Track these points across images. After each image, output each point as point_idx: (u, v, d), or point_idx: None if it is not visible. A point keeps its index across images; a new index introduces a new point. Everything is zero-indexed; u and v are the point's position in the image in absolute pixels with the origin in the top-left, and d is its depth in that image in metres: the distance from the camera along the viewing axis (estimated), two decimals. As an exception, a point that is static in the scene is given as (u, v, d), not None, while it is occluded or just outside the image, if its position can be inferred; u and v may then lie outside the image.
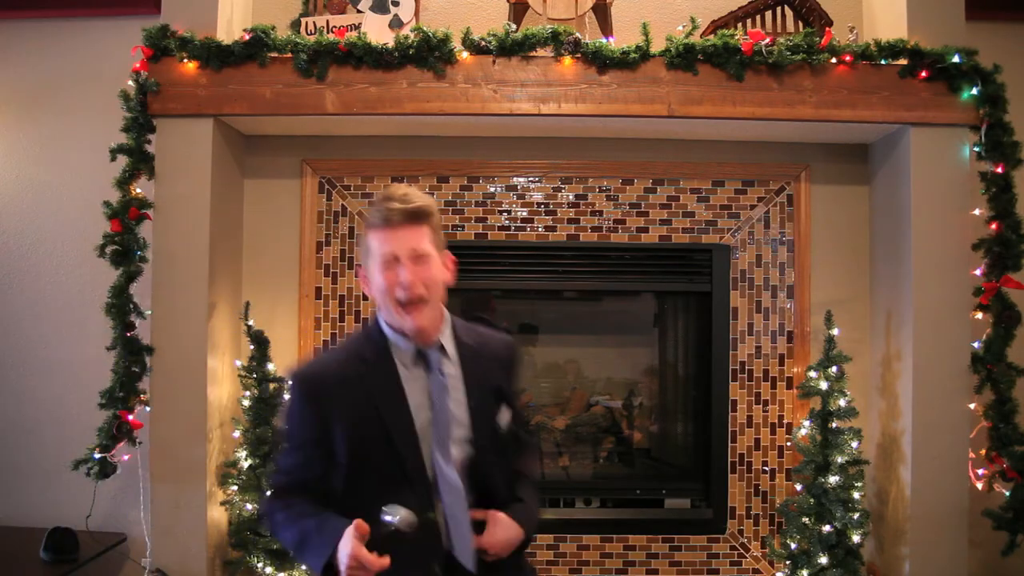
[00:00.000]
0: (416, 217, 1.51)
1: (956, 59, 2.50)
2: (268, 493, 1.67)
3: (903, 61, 2.54)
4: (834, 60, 2.55)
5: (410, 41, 2.52)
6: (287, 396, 1.63)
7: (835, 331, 2.63)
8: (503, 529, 1.55)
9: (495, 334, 1.70)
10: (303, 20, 2.73)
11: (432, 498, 1.52)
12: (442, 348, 1.58)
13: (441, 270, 1.57)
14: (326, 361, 1.70)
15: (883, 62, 2.55)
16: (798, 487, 2.66)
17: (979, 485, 2.56)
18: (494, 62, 2.56)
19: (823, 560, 2.51)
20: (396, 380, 1.54)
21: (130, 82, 2.56)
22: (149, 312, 2.57)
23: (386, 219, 1.50)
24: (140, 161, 2.56)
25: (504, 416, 1.61)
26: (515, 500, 1.62)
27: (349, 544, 1.38)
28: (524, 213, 2.90)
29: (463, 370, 1.58)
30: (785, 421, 2.87)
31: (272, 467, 1.62)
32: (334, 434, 1.53)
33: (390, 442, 1.51)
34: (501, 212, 2.90)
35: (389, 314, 1.54)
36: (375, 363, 1.55)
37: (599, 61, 2.54)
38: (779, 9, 2.79)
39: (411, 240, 1.50)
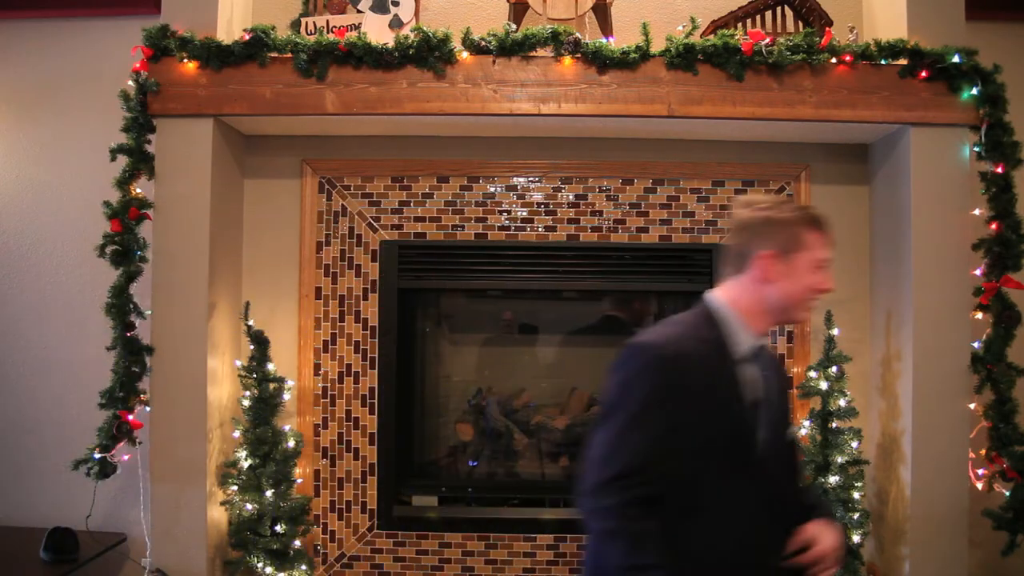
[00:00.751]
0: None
1: (956, 59, 2.50)
2: (606, 481, 1.43)
3: (903, 61, 2.54)
4: (834, 60, 2.55)
5: (410, 41, 2.52)
6: (633, 372, 1.50)
7: (835, 331, 2.63)
8: (830, 533, 1.58)
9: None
10: (303, 20, 2.73)
11: (767, 487, 1.54)
12: (764, 347, 1.64)
13: None
14: (673, 334, 1.55)
15: (883, 62, 2.55)
16: (798, 487, 2.66)
17: (979, 485, 2.56)
18: (494, 62, 2.56)
19: (823, 560, 2.51)
20: (734, 368, 1.53)
21: (130, 82, 2.56)
22: (149, 312, 2.57)
23: (825, 225, 1.61)
24: (140, 161, 2.56)
25: (792, 431, 1.67)
26: (809, 508, 1.65)
27: None
28: (524, 213, 2.90)
29: (763, 376, 1.59)
30: (785, 421, 2.87)
31: (598, 454, 1.47)
32: (686, 415, 1.46)
33: (734, 430, 1.52)
34: (501, 212, 2.90)
35: (787, 305, 1.58)
36: (718, 345, 1.54)
37: (599, 61, 2.54)
38: (779, 9, 2.79)
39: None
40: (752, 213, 1.60)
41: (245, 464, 2.62)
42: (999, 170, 2.52)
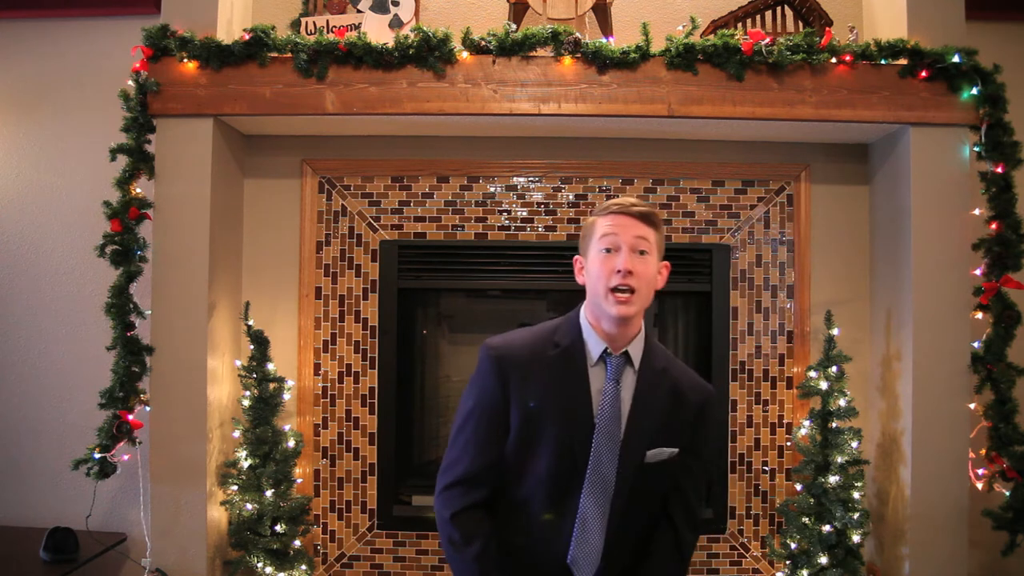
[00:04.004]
0: (647, 218, 1.55)
1: (956, 59, 2.50)
2: (446, 482, 1.60)
3: (903, 61, 2.54)
4: (834, 60, 2.55)
5: (410, 41, 2.52)
6: (475, 372, 1.61)
7: (835, 331, 2.63)
8: None
9: (691, 376, 1.66)
10: (303, 20, 2.74)
11: (570, 497, 1.54)
12: (628, 358, 1.57)
13: (654, 273, 1.57)
14: (518, 336, 1.64)
15: (883, 62, 2.55)
16: (798, 487, 2.66)
17: (979, 485, 2.56)
18: (494, 62, 2.56)
19: (823, 560, 2.51)
20: (583, 370, 1.56)
21: (130, 82, 2.56)
22: (149, 312, 2.57)
23: (621, 208, 1.55)
24: (140, 161, 2.56)
25: (657, 454, 1.56)
26: (647, 555, 1.60)
27: None
28: (524, 213, 2.90)
29: (636, 389, 1.57)
30: (785, 421, 2.88)
31: (446, 451, 1.63)
32: (512, 405, 1.55)
33: (564, 429, 1.52)
34: (501, 212, 2.90)
35: (596, 301, 1.55)
36: (566, 348, 1.57)
37: (599, 61, 2.54)
38: (779, 9, 2.79)
39: (638, 230, 1.53)
40: None
41: (245, 464, 2.62)
42: (999, 170, 2.52)
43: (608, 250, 1.53)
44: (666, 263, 1.63)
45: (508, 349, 1.59)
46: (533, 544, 1.58)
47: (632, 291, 1.51)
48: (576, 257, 1.63)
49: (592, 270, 1.55)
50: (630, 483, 1.55)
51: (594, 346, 1.57)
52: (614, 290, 1.51)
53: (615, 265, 1.51)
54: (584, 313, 1.62)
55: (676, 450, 1.58)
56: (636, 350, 1.58)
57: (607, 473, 1.54)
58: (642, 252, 1.53)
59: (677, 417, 1.60)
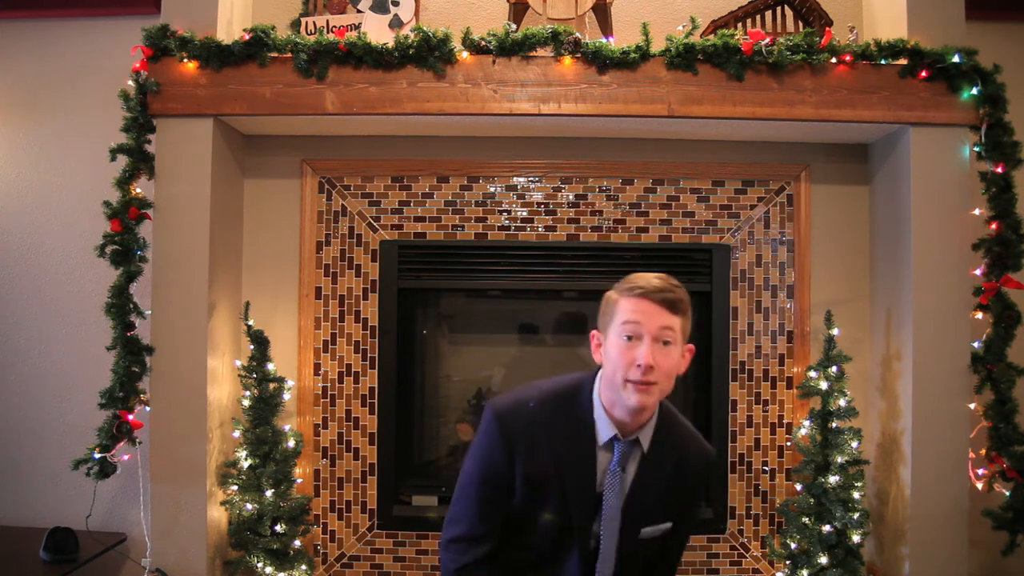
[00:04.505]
0: (674, 306, 1.46)
1: (956, 59, 2.50)
2: (450, 536, 1.59)
3: (903, 61, 2.54)
4: (834, 60, 2.55)
5: (410, 41, 2.52)
6: (482, 430, 1.58)
7: (835, 331, 2.63)
8: None
9: (695, 441, 1.63)
10: (303, 20, 2.73)
11: (560, 563, 1.54)
12: (637, 443, 1.54)
13: (677, 361, 1.49)
14: (525, 400, 1.58)
15: (883, 62, 2.55)
16: (798, 487, 2.66)
17: (979, 485, 2.56)
18: (494, 62, 2.56)
19: (823, 560, 2.51)
20: (591, 451, 1.51)
21: (130, 82, 2.56)
22: (149, 312, 2.57)
23: (646, 293, 1.45)
24: (140, 161, 2.56)
25: (653, 531, 1.56)
26: None
27: None
28: (524, 213, 2.90)
29: (639, 470, 1.54)
30: (785, 421, 2.88)
31: (447, 516, 1.62)
32: (515, 474, 1.51)
33: (566, 503, 1.49)
34: (501, 212, 2.90)
35: (611, 386, 1.48)
36: (576, 424, 1.52)
37: (599, 61, 2.54)
38: (779, 9, 2.79)
39: (663, 320, 1.44)
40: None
41: (245, 464, 2.62)
42: (999, 170, 2.51)
43: (630, 337, 1.44)
44: (690, 346, 1.55)
45: (515, 416, 1.54)
46: None
47: (653, 383, 1.44)
48: (594, 332, 1.55)
49: (611, 355, 1.47)
50: (629, 559, 1.56)
51: (603, 428, 1.52)
52: (636, 382, 1.43)
53: (636, 358, 1.42)
54: (599, 390, 1.55)
55: (670, 525, 1.58)
56: (646, 434, 1.54)
57: (607, 551, 1.54)
58: (666, 343, 1.45)
59: (676, 487, 1.57)
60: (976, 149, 2.55)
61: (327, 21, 2.70)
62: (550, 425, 1.52)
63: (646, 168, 2.90)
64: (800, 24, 2.78)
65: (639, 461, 1.53)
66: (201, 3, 2.60)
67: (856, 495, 2.53)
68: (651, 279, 1.47)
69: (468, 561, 1.55)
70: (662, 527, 1.56)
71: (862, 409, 2.69)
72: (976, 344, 2.56)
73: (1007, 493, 2.50)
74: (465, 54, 2.55)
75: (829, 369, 2.59)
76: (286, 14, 2.87)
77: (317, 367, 2.88)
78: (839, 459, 2.54)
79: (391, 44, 2.53)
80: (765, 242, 2.89)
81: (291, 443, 2.70)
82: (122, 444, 2.52)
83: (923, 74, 2.53)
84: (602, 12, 2.73)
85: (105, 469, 2.50)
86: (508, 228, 2.90)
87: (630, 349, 1.43)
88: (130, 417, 2.52)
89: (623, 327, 1.45)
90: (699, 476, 1.62)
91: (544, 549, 1.56)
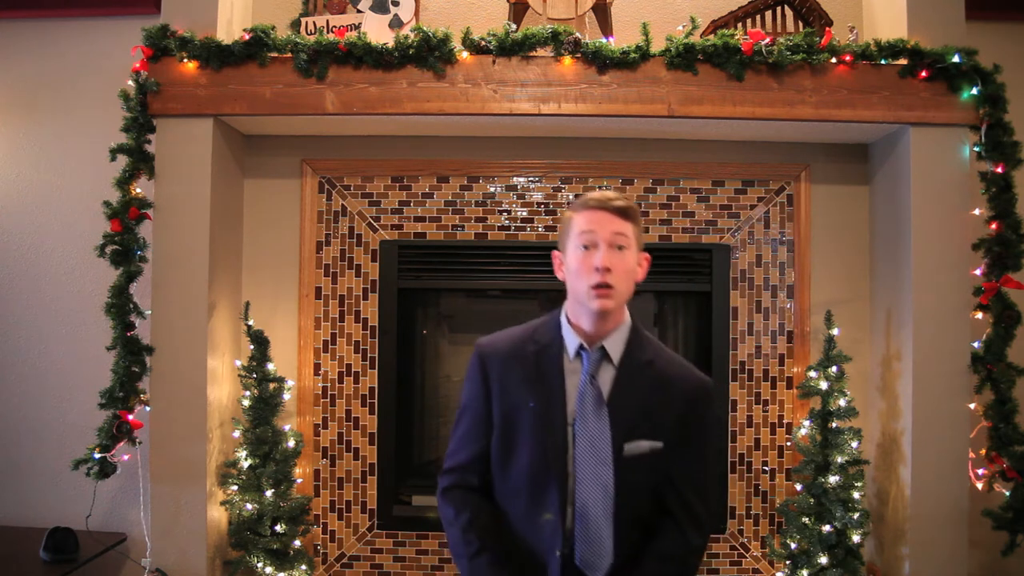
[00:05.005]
0: (624, 212, 1.55)
1: (956, 59, 2.50)
2: (443, 469, 1.69)
3: (903, 61, 2.54)
4: (834, 60, 2.55)
5: (410, 41, 2.52)
6: (468, 368, 1.70)
7: (835, 331, 2.63)
8: None
9: (687, 370, 1.63)
10: (303, 20, 2.74)
11: (563, 496, 1.54)
12: (604, 352, 1.57)
13: (633, 266, 1.58)
14: (505, 334, 1.68)
15: (883, 62, 2.55)
16: (798, 487, 2.66)
17: (979, 485, 2.56)
18: (494, 62, 2.56)
19: (823, 560, 2.51)
20: (559, 368, 1.57)
21: (130, 82, 2.56)
22: (149, 312, 2.57)
23: (598, 204, 1.55)
24: (140, 161, 2.56)
25: (635, 448, 1.54)
26: (639, 560, 1.57)
27: None
28: (524, 213, 2.90)
29: (614, 383, 1.56)
30: (785, 421, 2.88)
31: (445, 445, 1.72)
32: (492, 404, 1.60)
33: (538, 425, 1.54)
34: (501, 212, 2.90)
35: (576, 297, 1.57)
36: (545, 345, 1.60)
37: (599, 61, 2.54)
38: (779, 9, 2.79)
39: (615, 226, 1.54)
40: None
41: (245, 464, 2.62)
42: (999, 170, 2.52)
43: (586, 247, 1.54)
44: (646, 255, 1.63)
45: (492, 347, 1.64)
46: (521, 543, 1.59)
47: (611, 287, 1.52)
48: (555, 252, 1.63)
49: (571, 267, 1.56)
50: (620, 480, 1.54)
51: (570, 342, 1.59)
52: (594, 286, 1.52)
53: (594, 263, 1.52)
54: (565, 311, 1.63)
55: (658, 444, 1.55)
56: (615, 344, 1.58)
57: (601, 469, 1.53)
58: (620, 247, 1.53)
59: (662, 410, 1.57)
60: (976, 149, 2.55)
61: (327, 21, 2.70)
62: (522, 350, 1.61)
63: (646, 168, 2.90)
64: (800, 24, 2.78)
65: (613, 375, 1.57)
66: (201, 3, 2.60)
67: (856, 495, 2.54)
68: (600, 192, 1.59)
69: (451, 484, 1.65)
70: (646, 444, 1.55)
71: (862, 409, 2.69)
72: (976, 344, 2.56)
73: (1007, 493, 2.50)
74: (465, 54, 2.55)
75: (829, 369, 2.59)
76: (286, 14, 2.87)
77: (317, 367, 2.88)
78: (839, 459, 2.54)
79: (391, 44, 2.53)
80: (765, 242, 2.89)
81: (291, 443, 2.70)
82: (122, 444, 2.53)
83: (923, 74, 2.53)
84: (602, 12, 2.73)
85: (105, 469, 2.50)
86: (508, 228, 2.90)
87: (588, 257, 1.52)
88: (130, 417, 2.52)
89: (579, 238, 1.54)
90: (691, 402, 1.59)
91: (524, 488, 1.58)
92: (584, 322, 1.57)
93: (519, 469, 1.57)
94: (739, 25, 2.75)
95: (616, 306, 1.55)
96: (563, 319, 1.62)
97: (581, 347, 1.58)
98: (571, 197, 2.90)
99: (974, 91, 2.51)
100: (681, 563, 1.58)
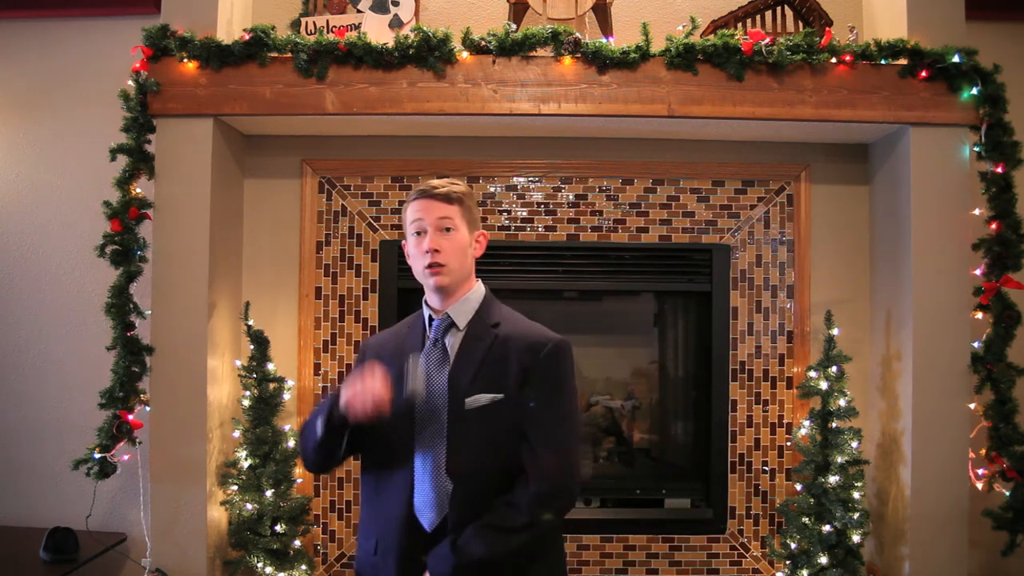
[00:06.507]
0: (446, 197, 1.69)
1: (956, 59, 2.50)
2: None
3: (903, 61, 2.54)
4: (834, 60, 2.55)
5: (410, 41, 2.52)
6: None
7: (835, 331, 2.63)
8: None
9: (538, 331, 1.72)
10: (303, 20, 2.73)
11: (409, 448, 1.65)
12: (449, 318, 1.70)
13: (464, 243, 1.71)
14: (388, 329, 1.91)
15: (883, 62, 2.55)
16: (798, 487, 2.66)
17: (979, 485, 2.56)
18: (494, 62, 2.56)
19: (823, 560, 2.51)
20: (417, 341, 1.72)
21: (130, 82, 2.56)
22: (149, 312, 2.57)
23: (422, 193, 1.70)
24: (140, 161, 2.56)
25: (476, 400, 1.62)
26: (478, 517, 1.58)
27: (348, 382, 1.58)
28: (524, 213, 2.90)
29: (460, 343, 1.69)
30: (785, 421, 2.88)
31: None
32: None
33: (395, 387, 1.62)
34: (501, 212, 2.90)
35: (418, 278, 1.72)
36: (412, 325, 1.78)
37: (599, 61, 2.54)
38: (779, 9, 2.79)
39: (440, 211, 1.68)
40: None
41: (245, 464, 2.62)
42: (999, 170, 2.52)
43: (418, 233, 1.69)
44: (483, 232, 1.77)
45: (372, 340, 1.88)
46: (382, 502, 1.69)
47: (442, 265, 1.66)
48: (403, 243, 1.76)
49: (410, 252, 1.73)
50: (458, 432, 1.62)
51: (425, 316, 1.74)
52: (427, 267, 1.66)
53: (424, 246, 1.67)
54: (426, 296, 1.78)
55: (499, 396, 1.62)
56: (460, 311, 1.70)
57: (434, 425, 1.63)
58: (448, 229, 1.68)
59: (503, 365, 1.64)
60: (976, 149, 2.55)
61: (327, 21, 2.70)
62: (396, 335, 1.80)
63: (646, 168, 2.90)
64: (800, 24, 2.78)
65: (460, 339, 1.69)
66: (201, 3, 2.60)
67: (856, 495, 2.54)
68: (428, 182, 1.72)
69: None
70: (486, 397, 1.62)
71: (862, 409, 2.69)
72: (976, 344, 2.56)
73: (1007, 493, 2.50)
74: (465, 54, 2.55)
75: (829, 369, 2.59)
76: (286, 14, 2.87)
77: (317, 367, 2.88)
78: (839, 459, 2.54)
79: (391, 44, 2.53)
80: (765, 242, 2.89)
81: (291, 443, 2.70)
82: (122, 444, 2.53)
83: (923, 74, 2.53)
84: (602, 12, 2.73)
85: (105, 469, 2.50)
86: (508, 228, 2.90)
87: (420, 242, 1.68)
88: (130, 417, 2.52)
89: (411, 226, 1.71)
90: (534, 353, 1.65)
91: (381, 441, 1.68)
92: (431, 299, 1.73)
93: (380, 425, 1.63)
94: (739, 25, 2.75)
95: (452, 281, 1.68)
96: (423, 303, 1.76)
97: (430, 318, 1.73)
98: (571, 197, 2.90)
99: (974, 91, 2.51)
100: (527, 512, 1.58)
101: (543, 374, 1.65)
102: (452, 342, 1.69)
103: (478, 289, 1.76)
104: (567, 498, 1.65)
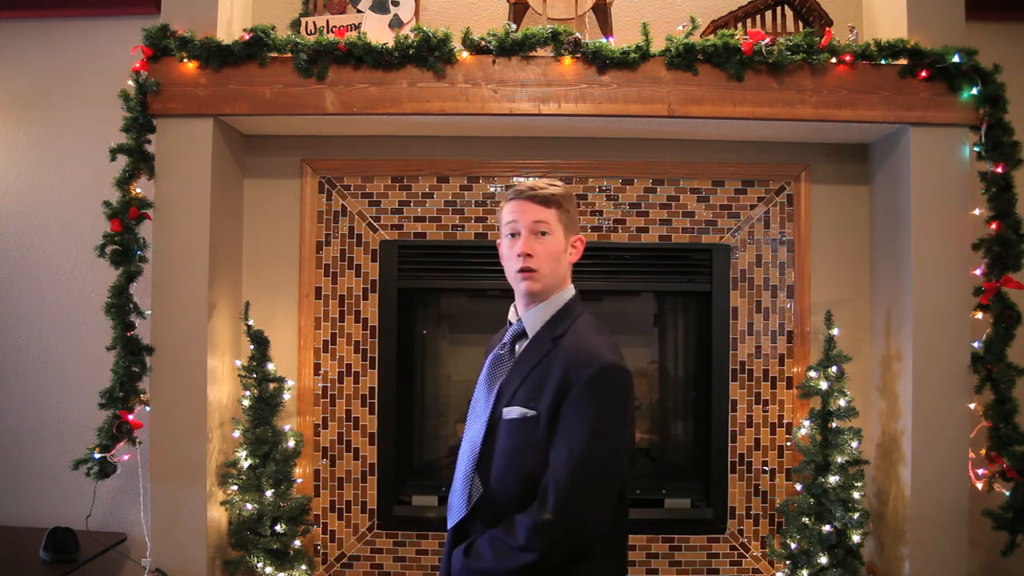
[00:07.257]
0: (543, 200, 1.64)
1: (956, 59, 2.50)
2: None
3: (903, 61, 2.54)
4: (834, 60, 2.55)
5: (410, 41, 2.52)
6: None
7: (835, 331, 2.63)
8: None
9: (590, 350, 1.56)
10: (303, 20, 2.74)
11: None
12: (521, 327, 1.68)
13: (559, 249, 1.65)
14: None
15: (883, 62, 2.55)
16: (798, 487, 2.66)
17: (979, 485, 2.56)
18: (494, 62, 2.56)
19: (823, 560, 2.51)
20: (497, 345, 1.74)
21: (130, 82, 2.56)
22: (149, 312, 2.57)
23: (519, 194, 1.66)
24: (140, 161, 2.56)
25: (511, 411, 1.58)
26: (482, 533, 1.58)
27: None
28: (524, 213, 2.90)
29: (524, 351, 1.66)
30: (785, 421, 2.88)
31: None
32: None
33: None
34: (501, 212, 2.90)
35: (509, 280, 1.69)
36: (505, 327, 1.76)
37: (599, 61, 2.54)
38: (779, 9, 2.79)
39: (536, 214, 1.63)
40: None
41: (245, 464, 2.62)
42: (999, 170, 2.52)
43: (512, 235, 1.66)
44: (580, 236, 1.71)
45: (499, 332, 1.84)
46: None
47: (534, 270, 1.62)
48: (498, 242, 1.73)
49: (503, 254, 1.70)
50: (490, 441, 1.61)
51: (511, 318, 1.73)
52: (519, 271, 1.63)
53: (517, 250, 1.63)
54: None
55: (529, 412, 1.55)
56: (533, 319, 1.66)
57: (476, 426, 1.65)
58: (542, 233, 1.63)
59: (545, 379, 1.55)
60: (976, 149, 2.55)
61: (327, 21, 2.70)
62: (499, 336, 1.79)
63: (646, 168, 2.90)
64: (800, 24, 2.78)
65: (524, 347, 1.66)
66: (201, 3, 2.60)
67: (856, 495, 2.53)
68: (526, 182, 1.69)
69: None
70: (519, 410, 1.57)
71: (862, 409, 2.69)
72: (976, 344, 2.56)
73: (1007, 493, 2.50)
74: (465, 54, 2.55)
75: (829, 369, 2.59)
76: (286, 14, 2.87)
77: (317, 367, 2.88)
78: (839, 459, 2.54)
79: (391, 44, 2.53)
80: (765, 242, 2.89)
81: (291, 443, 2.70)
82: (122, 444, 2.53)
83: (923, 74, 2.53)
84: (602, 12, 2.73)
85: (105, 469, 2.50)
86: (508, 228, 2.90)
87: (513, 244, 1.65)
88: (130, 417, 2.52)
89: (506, 228, 1.67)
90: (572, 370, 1.53)
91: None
92: (518, 301, 1.70)
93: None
94: (739, 25, 2.75)
95: (543, 287, 1.64)
96: (512, 306, 1.75)
97: (510, 322, 1.72)
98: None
99: (974, 91, 2.51)
100: (523, 536, 1.50)
101: (578, 396, 1.51)
102: (519, 349, 1.67)
103: (563, 296, 1.66)
104: (561, 533, 1.48)
